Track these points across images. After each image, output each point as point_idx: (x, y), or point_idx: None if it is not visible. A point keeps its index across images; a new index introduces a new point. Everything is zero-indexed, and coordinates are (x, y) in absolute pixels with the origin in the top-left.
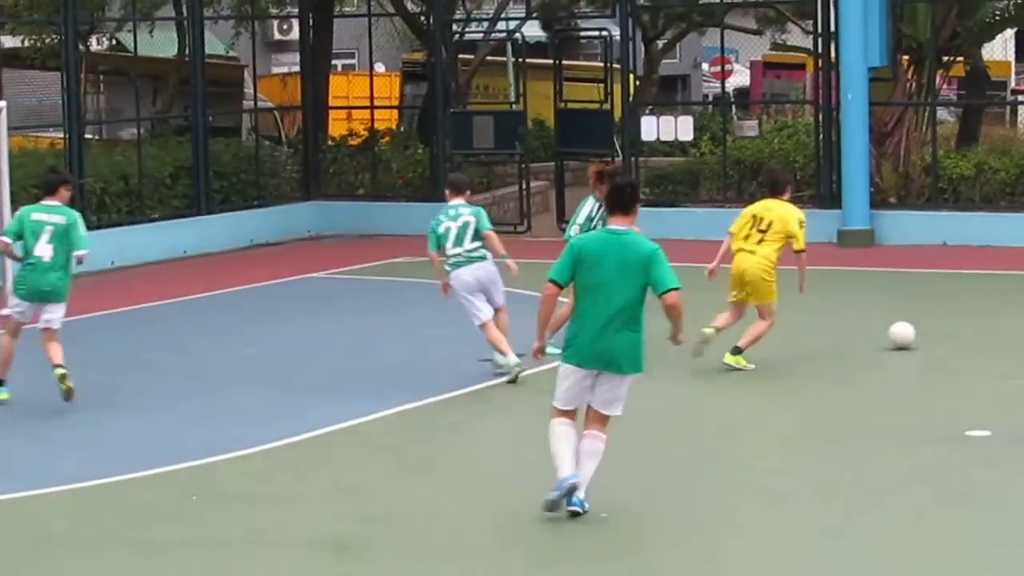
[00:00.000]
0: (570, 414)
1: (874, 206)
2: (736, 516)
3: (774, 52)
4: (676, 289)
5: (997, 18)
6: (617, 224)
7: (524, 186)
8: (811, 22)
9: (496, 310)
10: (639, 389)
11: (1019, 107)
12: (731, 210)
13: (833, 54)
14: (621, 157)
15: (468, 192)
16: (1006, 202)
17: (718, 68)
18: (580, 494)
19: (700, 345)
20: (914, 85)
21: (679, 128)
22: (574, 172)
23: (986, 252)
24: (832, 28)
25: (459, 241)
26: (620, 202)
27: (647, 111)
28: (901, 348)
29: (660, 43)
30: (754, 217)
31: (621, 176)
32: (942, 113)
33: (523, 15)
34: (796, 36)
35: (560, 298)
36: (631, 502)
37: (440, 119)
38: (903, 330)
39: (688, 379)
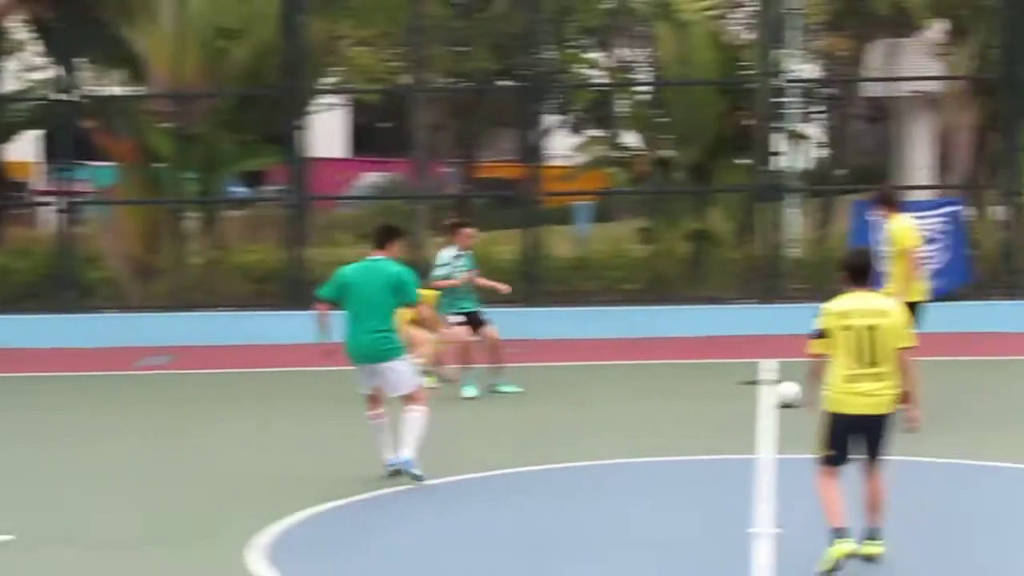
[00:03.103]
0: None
1: None
2: None
3: None
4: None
5: (18, 119)
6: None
7: None
8: None
9: None
10: None
11: (41, 208)
12: None
13: None
14: None
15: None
16: (33, 303)
17: None
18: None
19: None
20: None
21: None
22: None
23: (11, 355)
24: None
25: None
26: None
27: None
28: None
29: None
30: None
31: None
32: None
33: None
34: None
35: None
36: None
37: None
38: (787, 389)
39: None
